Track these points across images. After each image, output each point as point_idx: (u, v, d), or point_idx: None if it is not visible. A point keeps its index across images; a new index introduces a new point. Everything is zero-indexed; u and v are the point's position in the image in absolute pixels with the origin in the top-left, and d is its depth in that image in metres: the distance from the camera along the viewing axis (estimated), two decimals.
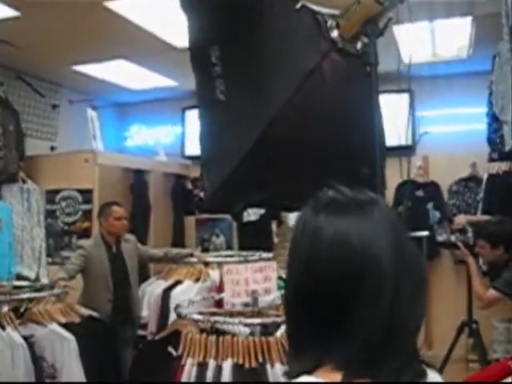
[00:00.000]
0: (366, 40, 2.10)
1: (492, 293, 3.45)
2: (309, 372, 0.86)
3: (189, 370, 2.57)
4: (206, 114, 2.32)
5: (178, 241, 6.66)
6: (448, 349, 4.10)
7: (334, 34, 2.15)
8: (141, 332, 4.33)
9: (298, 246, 0.94)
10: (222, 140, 2.22)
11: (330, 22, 2.16)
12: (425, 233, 5.41)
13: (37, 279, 5.13)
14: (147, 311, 4.39)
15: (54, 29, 4.77)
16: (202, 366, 2.55)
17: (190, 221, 6.92)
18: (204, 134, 2.30)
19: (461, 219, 4.03)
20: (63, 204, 5.62)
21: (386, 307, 0.86)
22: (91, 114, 5.94)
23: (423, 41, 5.35)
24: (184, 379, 2.55)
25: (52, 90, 6.33)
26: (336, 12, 2.21)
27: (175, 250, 4.70)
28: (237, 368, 2.48)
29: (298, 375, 0.87)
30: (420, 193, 6.11)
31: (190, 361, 2.60)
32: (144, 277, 5.04)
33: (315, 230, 0.91)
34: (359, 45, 2.17)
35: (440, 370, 4.07)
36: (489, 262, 4.51)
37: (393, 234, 0.91)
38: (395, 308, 0.87)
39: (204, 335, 2.65)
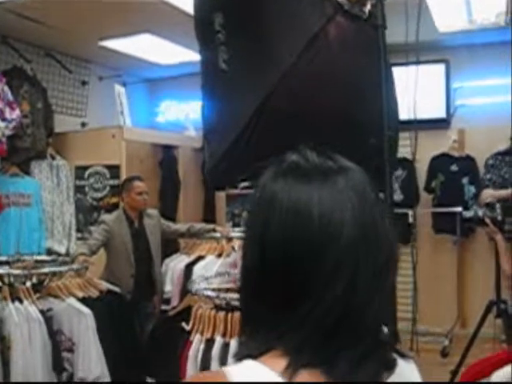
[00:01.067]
0: (373, 0, 1.97)
1: None
2: (255, 356, 0.79)
3: (196, 347, 2.55)
4: (209, 83, 2.24)
5: (209, 216, 6.64)
6: (475, 328, 3.97)
7: None
8: (164, 307, 4.34)
9: (252, 215, 0.86)
10: (223, 110, 2.15)
11: None
12: (458, 208, 5.25)
13: (67, 254, 5.21)
14: (170, 286, 4.39)
15: (81, 4, 4.75)
16: (209, 343, 2.51)
17: (220, 196, 6.87)
18: (206, 104, 2.23)
19: (487, 194, 3.85)
20: (92, 180, 5.65)
21: (344, 288, 0.78)
22: (119, 89, 5.93)
23: (458, 7, 5.11)
24: (191, 355, 2.53)
25: (81, 66, 6.33)
26: None
27: (198, 225, 4.67)
28: None
29: (242, 359, 0.80)
30: (455, 167, 5.92)
31: (198, 337, 2.58)
32: (172, 251, 5.06)
33: (271, 196, 0.82)
34: (367, 7, 2.05)
35: (467, 350, 3.95)
36: None
37: (360, 207, 0.81)
38: (354, 290, 0.78)
39: (213, 311, 2.62)
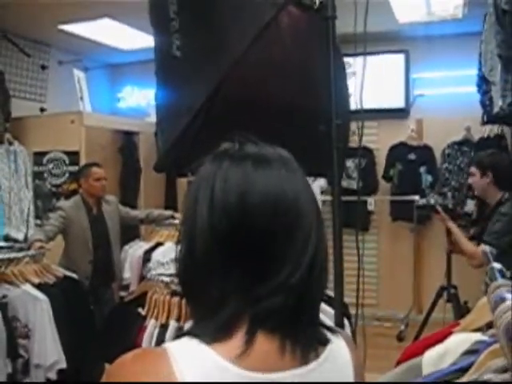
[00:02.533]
0: None
1: (483, 248, 3.38)
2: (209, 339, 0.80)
3: (151, 331, 2.57)
4: (162, 70, 2.24)
5: (170, 203, 6.63)
6: (426, 313, 4.09)
7: None
8: (123, 293, 4.34)
9: (213, 197, 0.84)
10: (176, 97, 2.16)
11: None
12: (415, 197, 5.36)
13: (25, 240, 5.14)
14: (129, 272, 4.39)
15: None
16: (164, 327, 2.54)
17: (182, 182, 6.87)
18: (159, 91, 2.23)
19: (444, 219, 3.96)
20: (50, 166, 5.59)
21: (312, 255, 0.84)
22: (78, 74, 5.86)
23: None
24: (145, 340, 2.55)
25: (40, 50, 6.23)
26: None
27: (157, 212, 4.68)
28: None
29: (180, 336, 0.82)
30: (412, 156, 6.04)
31: (152, 322, 2.60)
32: (132, 238, 5.05)
33: (243, 180, 0.83)
34: None
35: (419, 333, 4.07)
36: (478, 198, 4.60)
37: (308, 193, 0.89)
38: (317, 260, 0.85)
39: (168, 297, 2.65)
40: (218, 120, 2.02)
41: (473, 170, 3.71)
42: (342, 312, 2.07)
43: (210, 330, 0.81)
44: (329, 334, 0.88)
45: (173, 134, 2.07)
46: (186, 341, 0.81)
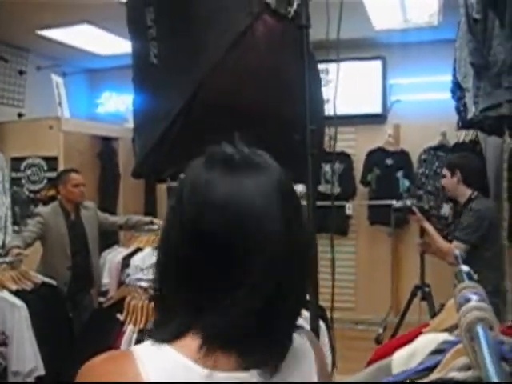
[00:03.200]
0: (298, 1, 2.04)
1: (456, 244, 3.52)
2: (168, 340, 0.83)
3: (129, 336, 2.58)
4: (139, 76, 2.26)
5: (150, 209, 6.63)
6: (401, 313, 4.16)
7: None
8: (102, 299, 4.33)
9: (182, 204, 0.85)
10: (153, 104, 2.18)
11: None
12: (392, 201, 5.41)
13: (3, 247, 5.10)
14: (108, 278, 4.39)
15: None
16: (142, 333, 2.55)
17: (161, 188, 6.87)
18: (136, 97, 2.25)
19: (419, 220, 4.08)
20: (28, 172, 5.56)
21: (277, 280, 0.82)
22: (56, 80, 5.84)
23: (394, 6, 5.27)
24: (123, 345, 2.56)
25: (18, 55, 6.19)
26: None
27: (136, 218, 4.68)
28: None
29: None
30: (390, 161, 6.11)
31: (130, 327, 2.61)
32: (111, 244, 5.05)
33: (206, 186, 0.83)
34: (293, 7, 2.12)
35: (393, 335, 4.13)
36: (451, 199, 4.78)
37: (283, 203, 0.85)
38: (285, 281, 0.83)
39: (146, 302, 2.66)
40: (195, 125, 2.04)
41: (444, 171, 3.88)
42: (317, 315, 2.10)
43: (167, 334, 0.83)
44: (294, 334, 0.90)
45: (151, 139, 2.09)
46: (149, 344, 0.83)
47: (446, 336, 1.18)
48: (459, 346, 1.04)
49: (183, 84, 2.09)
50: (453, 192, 3.85)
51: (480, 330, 0.88)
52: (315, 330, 2.04)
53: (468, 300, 1.02)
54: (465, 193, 3.75)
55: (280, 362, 0.84)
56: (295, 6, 2.12)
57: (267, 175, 0.86)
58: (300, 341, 0.92)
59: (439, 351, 1.11)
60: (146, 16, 2.26)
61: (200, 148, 0.92)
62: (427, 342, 1.19)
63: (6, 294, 3.28)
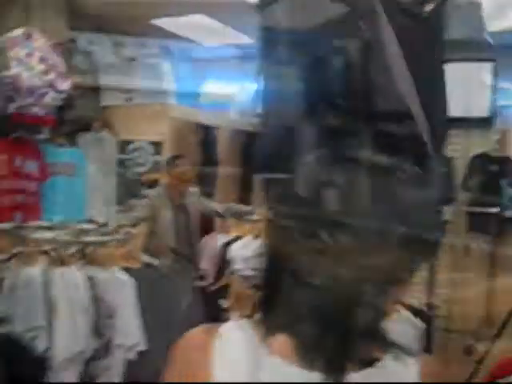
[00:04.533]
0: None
1: None
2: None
3: None
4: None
5: (246, 198, 6.69)
6: (497, 329, 3.99)
7: None
8: (199, 283, 4.44)
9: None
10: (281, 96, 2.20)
11: None
12: (493, 209, 5.23)
13: (105, 225, 5.32)
14: (206, 264, 4.49)
15: None
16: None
17: (257, 180, 6.90)
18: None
19: None
20: (135, 154, 5.77)
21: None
22: (166, 67, 6.01)
23: (507, 7, 5.04)
24: None
25: (129, 43, 6.42)
26: None
27: (237, 206, 4.76)
28: None
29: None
30: (494, 168, 5.87)
31: (235, 315, 2.66)
32: (209, 230, 5.15)
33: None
34: (428, 6, 2.08)
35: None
36: None
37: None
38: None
39: (250, 291, 2.71)
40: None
41: None
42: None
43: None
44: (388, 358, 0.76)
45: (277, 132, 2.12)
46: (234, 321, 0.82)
47: None
48: None
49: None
50: None
51: None
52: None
53: None
54: None
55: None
56: (430, 6, 2.08)
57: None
58: (394, 367, 0.77)
59: None
60: None
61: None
62: None
63: (116, 271, 3.43)
